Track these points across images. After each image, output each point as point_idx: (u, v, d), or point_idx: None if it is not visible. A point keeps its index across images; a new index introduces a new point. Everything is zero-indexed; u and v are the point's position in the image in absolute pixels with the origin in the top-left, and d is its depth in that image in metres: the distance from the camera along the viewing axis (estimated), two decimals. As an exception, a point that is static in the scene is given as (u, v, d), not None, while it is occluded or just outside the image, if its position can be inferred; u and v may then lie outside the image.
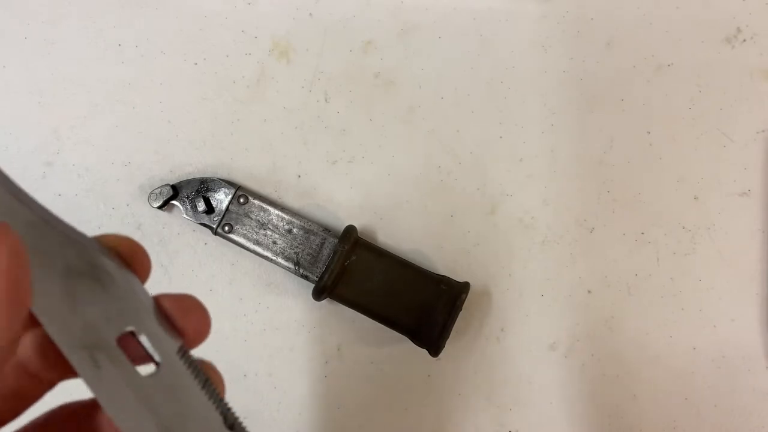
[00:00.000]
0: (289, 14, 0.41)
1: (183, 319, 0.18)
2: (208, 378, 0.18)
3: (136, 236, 0.39)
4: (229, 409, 0.18)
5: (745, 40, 0.41)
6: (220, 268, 0.39)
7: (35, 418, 0.19)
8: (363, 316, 0.38)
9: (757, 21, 0.41)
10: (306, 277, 0.37)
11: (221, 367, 0.40)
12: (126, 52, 0.40)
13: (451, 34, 0.41)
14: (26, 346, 0.17)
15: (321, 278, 0.37)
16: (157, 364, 0.17)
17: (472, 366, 0.39)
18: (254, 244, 0.38)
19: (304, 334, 0.39)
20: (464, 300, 0.37)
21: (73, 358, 0.15)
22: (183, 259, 0.39)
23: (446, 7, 0.41)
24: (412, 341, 0.37)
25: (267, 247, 0.38)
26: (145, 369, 0.17)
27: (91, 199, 0.40)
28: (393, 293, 0.37)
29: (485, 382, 0.39)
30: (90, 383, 0.16)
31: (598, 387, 0.39)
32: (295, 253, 0.38)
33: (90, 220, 0.39)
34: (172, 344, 0.17)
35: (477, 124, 0.40)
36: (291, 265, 0.38)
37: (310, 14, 0.41)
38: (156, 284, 0.40)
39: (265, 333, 0.39)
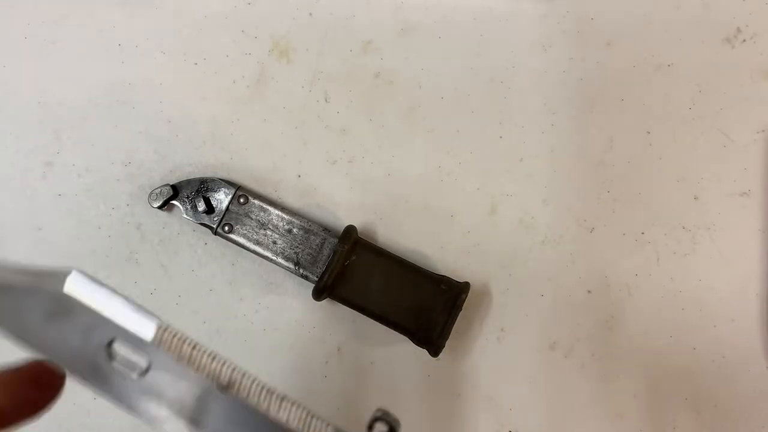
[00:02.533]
0: (288, 14, 0.41)
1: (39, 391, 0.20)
2: (196, 344, 0.19)
3: (136, 236, 0.39)
4: (224, 364, 0.19)
5: (745, 40, 0.41)
6: (220, 268, 0.39)
7: None
8: (363, 316, 0.38)
9: (757, 21, 0.41)
10: (306, 277, 0.37)
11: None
12: (126, 52, 0.40)
13: (451, 34, 0.41)
14: None
15: (321, 278, 0.37)
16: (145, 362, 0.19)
17: (472, 366, 0.39)
18: (254, 244, 0.38)
19: (303, 334, 0.39)
20: (464, 300, 0.37)
21: (88, 385, 0.18)
22: (183, 259, 0.39)
23: (446, 7, 0.41)
24: (412, 341, 0.37)
25: (267, 247, 0.38)
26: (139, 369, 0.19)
27: (91, 199, 0.40)
28: (393, 293, 0.37)
29: (485, 382, 0.39)
30: (103, 396, 0.18)
31: (599, 387, 0.39)
32: (295, 253, 0.38)
33: (90, 220, 0.39)
34: (147, 338, 0.18)
35: (477, 124, 0.40)
36: (291, 265, 0.38)
37: (310, 14, 0.41)
38: (156, 284, 0.40)
39: (265, 333, 0.39)
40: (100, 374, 0.18)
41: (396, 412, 0.39)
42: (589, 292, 0.40)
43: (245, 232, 0.38)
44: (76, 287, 0.18)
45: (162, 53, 0.40)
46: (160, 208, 0.38)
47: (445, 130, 0.40)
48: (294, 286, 0.39)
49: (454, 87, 0.41)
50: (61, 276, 0.19)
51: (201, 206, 0.38)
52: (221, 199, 0.38)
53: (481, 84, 0.41)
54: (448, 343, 0.37)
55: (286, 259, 0.38)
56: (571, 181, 0.40)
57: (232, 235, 0.38)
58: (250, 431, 0.19)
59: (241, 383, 0.19)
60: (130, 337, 0.18)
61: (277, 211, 0.38)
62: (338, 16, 0.41)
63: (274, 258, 0.38)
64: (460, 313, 0.37)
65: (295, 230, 0.38)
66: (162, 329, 0.19)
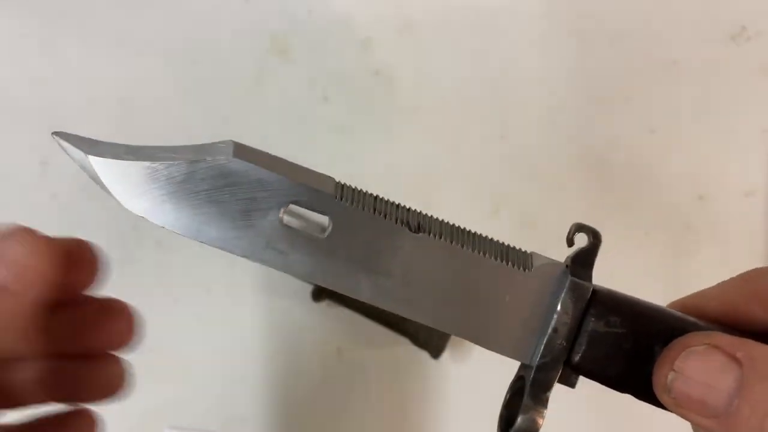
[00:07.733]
0: (288, 12, 0.41)
1: (109, 323, 0.21)
2: (376, 197, 0.19)
3: (132, 237, 0.39)
4: (408, 210, 0.20)
5: (749, 38, 0.41)
6: (219, 269, 0.39)
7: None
8: (363, 317, 0.37)
9: (762, 19, 0.41)
10: (305, 278, 0.37)
11: (220, 368, 0.39)
12: (125, 51, 0.40)
13: (452, 31, 0.41)
14: None
15: (320, 279, 0.36)
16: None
17: (473, 368, 0.39)
18: (252, 244, 0.37)
19: (303, 336, 0.39)
20: (465, 301, 0.37)
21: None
22: (181, 260, 0.39)
23: (447, 4, 0.41)
24: (413, 343, 0.37)
25: (265, 248, 0.37)
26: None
27: (87, 200, 0.39)
28: (393, 294, 0.37)
29: (487, 384, 0.39)
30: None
31: (602, 390, 0.39)
32: (294, 253, 0.37)
33: (86, 220, 0.39)
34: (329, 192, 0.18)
35: (477, 124, 0.40)
36: (290, 266, 0.37)
37: (309, 11, 0.41)
38: (153, 286, 0.39)
39: (264, 335, 0.39)
40: (284, 239, 0.18)
41: (396, 414, 0.39)
42: (592, 293, 0.39)
43: (243, 232, 0.37)
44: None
45: (162, 53, 0.40)
46: (157, 208, 0.38)
47: (445, 129, 0.40)
48: (293, 287, 0.39)
49: (454, 85, 0.40)
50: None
51: (199, 206, 0.37)
52: (219, 199, 0.38)
53: (482, 82, 0.40)
54: (448, 346, 0.36)
55: (285, 259, 0.37)
56: (573, 181, 0.40)
57: (230, 236, 0.37)
58: (443, 270, 0.19)
59: (429, 224, 0.19)
60: (310, 195, 0.18)
61: (275, 211, 0.38)
62: (338, 13, 0.41)
63: (272, 259, 0.37)
64: (462, 315, 0.37)
65: (294, 230, 0.37)
66: (340, 184, 0.18)
